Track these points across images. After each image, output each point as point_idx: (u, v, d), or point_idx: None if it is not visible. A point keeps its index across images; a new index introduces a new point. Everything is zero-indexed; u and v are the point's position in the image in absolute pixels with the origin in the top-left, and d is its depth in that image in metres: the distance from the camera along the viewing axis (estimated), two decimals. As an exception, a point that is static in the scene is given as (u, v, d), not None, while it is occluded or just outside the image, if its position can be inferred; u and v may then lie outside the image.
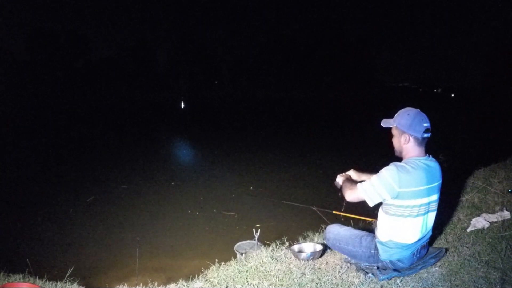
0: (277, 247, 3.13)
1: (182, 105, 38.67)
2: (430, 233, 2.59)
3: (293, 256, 2.87)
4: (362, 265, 2.60)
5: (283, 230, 4.37)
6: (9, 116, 23.44)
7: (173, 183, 7.17)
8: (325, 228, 3.65)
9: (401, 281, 2.42)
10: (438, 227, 3.29)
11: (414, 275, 2.49)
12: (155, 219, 5.29)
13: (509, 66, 50.74)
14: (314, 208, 3.76)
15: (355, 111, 28.85)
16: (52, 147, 11.59)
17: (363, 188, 2.40)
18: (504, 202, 3.74)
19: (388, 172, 2.33)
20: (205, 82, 59.16)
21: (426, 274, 2.49)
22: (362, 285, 2.41)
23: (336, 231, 2.72)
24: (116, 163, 9.08)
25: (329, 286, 2.43)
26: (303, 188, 6.74)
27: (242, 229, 4.71)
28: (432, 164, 2.43)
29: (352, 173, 2.88)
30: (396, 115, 2.46)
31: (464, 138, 13.00)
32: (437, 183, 2.43)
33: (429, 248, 2.72)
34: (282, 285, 2.46)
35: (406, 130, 2.38)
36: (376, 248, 2.52)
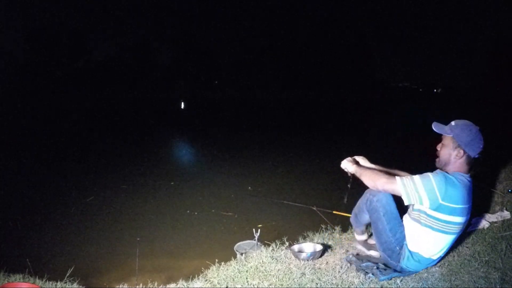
0: (277, 247, 3.13)
1: (182, 105, 38.66)
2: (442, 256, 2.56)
3: (293, 256, 2.87)
4: (362, 265, 2.60)
5: (283, 230, 4.37)
6: (9, 116, 23.43)
7: (172, 183, 7.16)
8: (325, 228, 3.66)
9: (401, 281, 2.42)
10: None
11: (414, 275, 2.49)
12: (155, 219, 5.29)
13: (509, 66, 50.73)
14: (314, 208, 3.76)
15: (355, 111, 28.84)
16: (51, 147, 11.58)
17: (403, 184, 2.26)
18: (504, 202, 3.74)
19: (436, 178, 2.23)
20: (205, 82, 59.14)
21: (426, 274, 2.49)
22: (362, 285, 2.41)
23: (390, 201, 2.44)
24: (116, 163, 9.08)
25: (329, 286, 2.43)
26: (303, 188, 6.73)
27: (242, 229, 4.71)
28: (470, 185, 2.36)
29: (361, 160, 2.78)
30: (453, 124, 2.33)
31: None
32: (470, 204, 2.38)
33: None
34: (282, 285, 2.46)
35: (463, 145, 2.27)
36: (402, 248, 2.47)
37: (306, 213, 4.39)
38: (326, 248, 3.01)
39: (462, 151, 2.28)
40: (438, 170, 2.34)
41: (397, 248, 2.48)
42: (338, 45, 61.45)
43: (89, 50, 59.73)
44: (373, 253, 2.77)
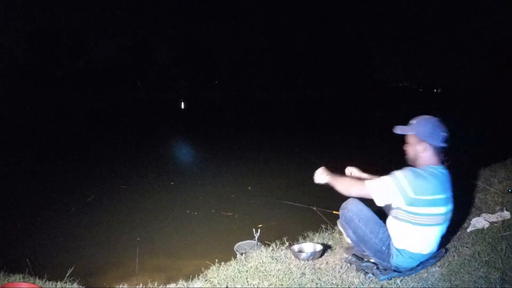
0: (277, 247, 3.13)
1: (182, 105, 38.66)
2: (437, 250, 2.55)
3: (293, 256, 2.87)
4: (362, 265, 2.60)
5: (283, 230, 4.36)
6: (9, 116, 23.43)
7: (172, 183, 7.16)
8: (325, 228, 3.66)
9: (401, 281, 2.42)
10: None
11: (414, 275, 2.49)
12: (155, 219, 5.29)
13: (509, 66, 50.74)
14: (314, 208, 3.75)
15: (355, 111, 28.85)
16: (51, 147, 11.59)
17: (373, 186, 2.31)
18: (504, 202, 3.74)
19: (404, 174, 2.28)
20: (205, 82, 59.13)
21: (426, 274, 2.49)
22: (362, 285, 2.41)
23: (360, 207, 2.51)
24: (115, 163, 9.08)
25: (329, 286, 2.43)
26: (303, 188, 6.73)
27: (242, 229, 4.70)
28: (446, 173, 2.39)
29: (354, 170, 2.84)
30: (413, 122, 2.40)
31: (464, 138, 12.99)
32: (450, 194, 2.39)
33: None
34: (282, 285, 2.46)
35: (425, 138, 2.34)
36: (389, 248, 2.47)
37: (306, 213, 4.39)
38: (326, 248, 3.01)
39: (426, 144, 2.34)
40: (407, 167, 2.37)
41: (384, 248, 2.48)
42: (338, 45, 61.45)
43: (89, 50, 59.74)
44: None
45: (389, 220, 2.50)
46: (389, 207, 2.46)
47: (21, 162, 9.31)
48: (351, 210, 2.53)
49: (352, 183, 2.45)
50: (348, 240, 2.84)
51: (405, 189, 2.25)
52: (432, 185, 2.27)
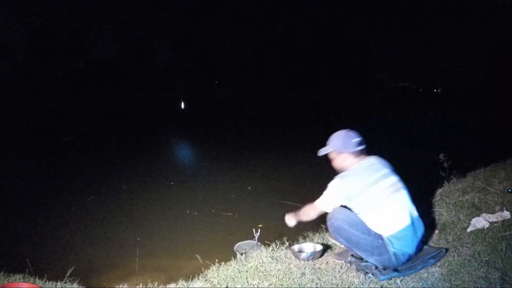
0: (277, 247, 3.14)
1: (182, 105, 38.66)
2: (418, 216, 2.64)
3: (293, 256, 2.87)
4: (362, 264, 2.60)
5: (283, 230, 4.35)
6: (9, 115, 23.44)
7: (172, 183, 7.16)
8: (325, 228, 3.66)
9: (401, 281, 2.42)
10: (438, 227, 3.30)
11: (414, 275, 2.49)
12: (155, 219, 5.29)
13: (509, 66, 50.74)
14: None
15: (354, 111, 28.84)
16: (51, 147, 11.59)
17: (319, 201, 2.68)
18: (504, 202, 3.74)
19: (334, 183, 2.62)
20: (205, 82, 59.13)
21: (426, 274, 2.49)
22: (362, 285, 2.42)
23: (346, 213, 2.61)
24: (115, 163, 9.08)
25: (329, 286, 2.43)
26: (303, 188, 6.73)
27: (242, 229, 4.70)
28: (373, 160, 2.68)
29: (292, 214, 2.99)
30: (329, 141, 2.75)
31: (464, 138, 13.00)
32: (386, 170, 2.62)
33: (427, 248, 2.73)
34: (282, 285, 2.46)
35: (341, 149, 2.66)
36: (382, 239, 2.50)
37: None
38: (326, 248, 3.01)
39: (344, 154, 2.67)
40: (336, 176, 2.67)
41: (379, 241, 2.51)
42: (338, 45, 61.44)
43: (89, 50, 59.73)
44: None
45: (363, 219, 2.59)
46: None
47: (21, 162, 9.31)
48: (338, 218, 2.61)
49: (308, 210, 2.77)
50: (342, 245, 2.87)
51: (338, 192, 2.58)
52: (358, 176, 2.56)
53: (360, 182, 2.53)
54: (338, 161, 2.71)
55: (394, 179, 2.60)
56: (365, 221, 2.54)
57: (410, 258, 2.56)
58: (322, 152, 2.75)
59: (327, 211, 2.65)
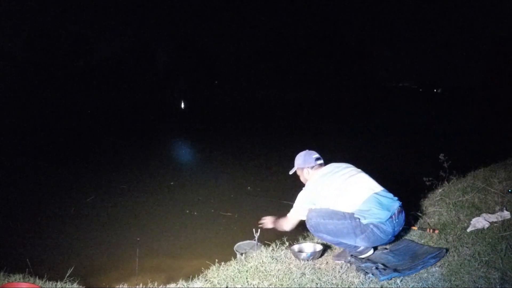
0: (277, 247, 3.14)
1: (182, 105, 38.67)
2: (385, 190, 2.79)
3: (293, 256, 2.87)
4: (362, 265, 2.60)
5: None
6: (9, 115, 23.44)
7: (172, 183, 7.16)
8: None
9: (401, 281, 2.42)
10: (438, 227, 3.30)
11: (414, 275, 2.49)
12: (155, 219, 5.29)
13: (509, 65, 50.74)
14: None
15: (354, 111, 28.84)
16: (51, 147, 11.59)
17: (292, 213, 2.95)
18: (504, 202, 3.74)
19: (301, 193, 2.94)
20: (205, 82, 59.14)
21: (426, 274, 2.49)
22: (362, 285, 2.42)
23: (317, 209, 2.81)
24: (115, 163, 9.08)
25: (329, 286, 2.43)
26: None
27: (242, 229, 4.70)
28: (328, 165, 3.01)
29: (270, 218, 3.20)
30: (294, 162, 3.14)
31: (464, 138, 13.00)
32: (340, 167, 2.94)
33: (427, 247, 2.73)
34: (282, 285, 2.46)
35: (303, 166, 3.05)
36: (357, 218, 2.64)
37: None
38: (326, 248, 3.01)
39: (306, 169, 3.06)
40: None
41: (356, 220, 2.63)
42: (338, 45, 61.47)
43: (89, 50, 59.73)
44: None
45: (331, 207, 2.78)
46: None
47: (21, 162, 9.31)
48: (312, 216, 2.78)
49: (283, 221, 3.04)
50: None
51: (306, 198, 2.89)
52: (317, 180, 2.89)
53: (319, 185, 2.86)
54: (302, 176, 3.09)
55: (348, 169, 2.92)
56: (335, 206, 2.75)
57: (394, 229, 2.68)
58: (291, 172, 3.17)
59: (301, 218, 2.90)
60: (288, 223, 3.00)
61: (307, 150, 3.15)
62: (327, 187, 2.82)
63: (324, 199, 2.79)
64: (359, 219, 2.63)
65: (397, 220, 2.69)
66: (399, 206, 2.73)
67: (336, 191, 2.76)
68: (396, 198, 2.78)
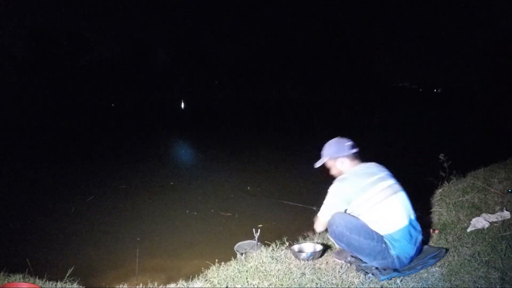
0: (277, 247, 3.13)
1: (182, 105, 38.66)
2: (416, 219, 2.65)
3: (293, 256, 2.87)
4: (362, 265, 2.60)
5: (283, 230, 4.36)
6: (9, 115, 23.44)
7: (172, 183, 7.16)
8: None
9: (401, 281, 2.42)
10: (438, 227, 3.30)
11: (414, 275, 2.49)
12: (155, 219, 5.29)
13: (509, 66, 50.71)
14: (314, 208, 3.75)
15: (354, 111, 28.84)
16: (51, 147, 11.59)
17: (322, 213, 2.69)
18: (504, 202, 3.74)
19: (333, 186, 2.66)
20: (205, 82, 59.11)
21: (426, 274, 2.49)
22: (362, 285, 2.42)
23: (347, 218, 2.58)
24: (115, 163, 9.08)
25: (329, 286, 2.43)
26: (303, 188, 6.73)
27: (242, 229, 4.70)
28: (369, 164, 2.75)
29: None
30: (322, 152, 2.84)
31: (464, 138, 13.00)
32: (383, 173, 2.66)
33: (427, 247, 2.73)
34: (282, 285, 2.46)
35: (337, 155, 2.74)
36: (384, 243, 2.50)
37: (306, 213, 4.39)
38: (326, 248, 3.01)
39: (340, 159, 2.74)
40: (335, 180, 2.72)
41: (382, 245, 2.50)
42: (338, 45, 61.42)
43: (89, 50, 59.70)
44: None
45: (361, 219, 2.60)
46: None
47: (21, 162, 9.30)
48: (339, 224, 2.57)
49: (316, 225, 2.79)
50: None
51: (339, 194, 2.62)
52: (356, 178, 2.61)
53: (358, 184, 2.57)
54: (335, 168, 2.78)
55: (391, 181, 2.64)
56: (368, 220, 2.55)
57: (411, 260, 2.56)
58: (318, 164, 2.84)
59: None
60: (319, 223, 2.75)
61: (337, 138, 2.84)
62: (365, 192, 2.54)
63: (359, 204, 2.55)
64: (386, 245, 2.49)
65: (416, 254, 2.60)
66: (421, 240, 2.63)
67: (375, 202, 2.51)
68: (420, 229, 2.64)
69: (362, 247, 2.50)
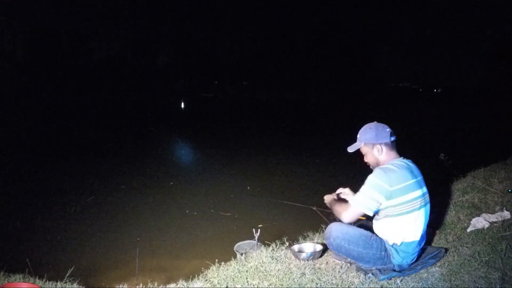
0: (277, 247, 3.13)
1: (182, 105, 38.66)
2: (425, 233, 2.61)
3: (293, 256, 2.87)
4: (362, 265, 2.60)
5: (283, 230, 4.36)
6: (9, 115, 23.42)
7: (172, 183, 7.16)
8: (325, 228, 3.66)
9: (401, 281, 2.42)
10: (438, 227, 3.30)
11: (414, 275, 2.49)
12: (155, 219, 5.29)
13: (509, 66, 50.71)
14: (314, 208, 3.74)
15: (354, 111, 28.82)
16: (51, 147, 11.58)
17: (357, 201, 2.43)
18: (504, 202, 3.74)
19: (376, 175, 2.40)
20: (205, 82, 59.11)
21: (426, 274, 2.49)
22: (362, 285, 2.42)
23: (344, 230, 2.53)
24: (115, 163, 9.07)
25: (329, 286, 2.43)
26: (303, 188, 6.73)
27: (242, 229, 4.70)
28: (409, 162, 2.55)
29: (346, 190, 2.85)
30: (358, 136, 2.59)
31: (464, 138, 13.00)
32: (420, 177, 2.51)
33: (427, 248, 2.73)
34: (282, 285, 2.46)
35: (375, 141, 2.50)
36: (385, 250, 2.49)
37: (306, 213, 4.39)
38: (326, 248, 3.00)
39: (378, 145, 2.50)
40: (375, 168, 2.49)
41: (382, 253, 2.49)
42: (338, 45, 61.44)
43: (88, 49, 59.72)
44: None
45: (376, 223, 2.54)
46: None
47: (21, 162, 9.30)
48: (336, 237, 2.53)
49: (342, 209, 2.52)
50: None
51: (381, 185, 2.35)
52: (401, 174, 2.39)
53: (403, 180, 2.36)
54: (372, 155, 2.53)
55: (424, 190, 2.51)
56: (384, 227, 2.47)
57: (411, 265, 2.56)
58: (352, 149, 2.59)
59: (365, 211, 2.41)
60: (348, 213, 2.46)
61: (376, 122, 2.57)
62: (406, 194, 2.36)
63: (395, 204, 2.37)
64: (387, 253, 2.47)
65: (417, 259, 2.58)
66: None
67: (405, 210, 2.38)
68: (425, 238, 2.62)
69: (362, 256, 2.52)
